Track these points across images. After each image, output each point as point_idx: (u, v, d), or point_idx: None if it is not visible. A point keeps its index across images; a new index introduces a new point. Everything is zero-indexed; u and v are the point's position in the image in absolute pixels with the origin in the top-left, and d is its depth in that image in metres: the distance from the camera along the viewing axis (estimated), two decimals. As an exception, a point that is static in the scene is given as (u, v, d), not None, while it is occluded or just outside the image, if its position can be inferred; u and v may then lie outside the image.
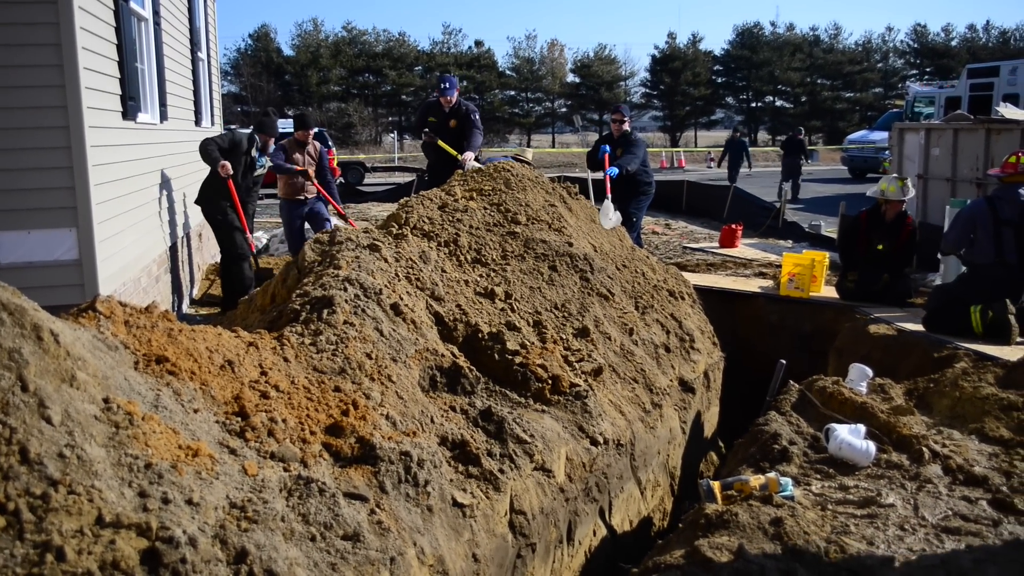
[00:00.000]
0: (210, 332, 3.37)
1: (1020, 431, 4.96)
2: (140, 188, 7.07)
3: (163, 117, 8.22)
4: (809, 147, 44.66)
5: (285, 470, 2.79)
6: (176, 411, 2.70)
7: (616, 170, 9.84)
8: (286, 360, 3.48)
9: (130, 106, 6.65)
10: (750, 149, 24.09)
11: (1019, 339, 6.85)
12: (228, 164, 8.07)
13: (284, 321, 3.98)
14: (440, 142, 9.50)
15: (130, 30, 6.90)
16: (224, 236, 8.44)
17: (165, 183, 8.17)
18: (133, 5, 7.01)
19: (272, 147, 8.84)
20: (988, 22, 61.38)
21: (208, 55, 11.84)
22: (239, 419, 2.91)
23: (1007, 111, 13.00)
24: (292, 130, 9.59)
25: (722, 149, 23.12)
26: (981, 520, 3.96)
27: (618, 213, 8.74)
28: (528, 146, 48.77)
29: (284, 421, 3.02)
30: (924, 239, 9.14)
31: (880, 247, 8.29)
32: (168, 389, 2.77)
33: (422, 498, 3.12)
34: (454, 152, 9.41)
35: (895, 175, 8.98)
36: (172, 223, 8.43)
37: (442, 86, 9.56)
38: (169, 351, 2.95)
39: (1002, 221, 7.10)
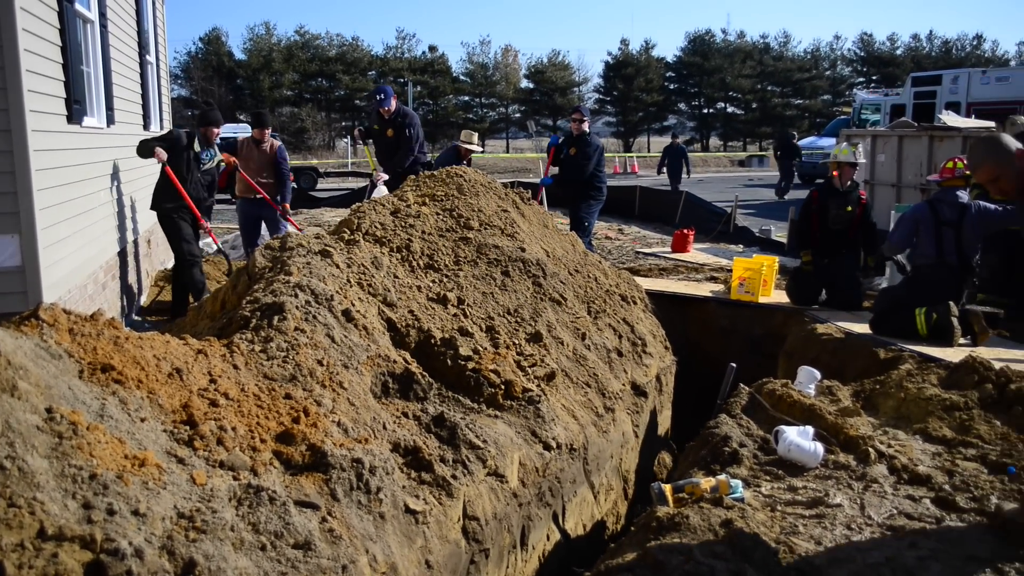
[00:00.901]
0: (158, 340, 3.32)
1: (962, 431, 5.09)
2: (86, 193, 6.94)
3: (110, 121, 8.08)
4: (760, 152, 45.36)
5: (235, 479, 2.76)
6: (122, 420, 2.65)
7: (550, 180, 9.96)
8: (236, 367, 3.44)
9: (75, 109, 6.53)
10: (689, 155, 24.29)
11: (962, 340, 7.02)
12: (162, 150, 8.02)
13: (234, 328, 3.94)
14: (367, 149, 9.50)
15: (75, 32, 6.77)
16: (175, 241, 8.33)
17: (112, 188, 8.03)
18: (78, 7, 6.88)
19: (218, 139, 8.71)
20: (931, 32, 62.91)
21: (157, 58, 11.67)
22: (187, 428, 2.87)
23: (949, 119, 13.35)
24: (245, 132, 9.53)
25: (661, 155, 23.17)
26: (925, 518, 4.05)
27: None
28: (483, 151, 48.80)
29: (234, 429, 2.98)
30: (866, 243, 9.32)
31: (848, 208, 8.40)
32: (114, 398, 2.73)
33: (374, 505, 3.10)
34: (373, 165, 9.41)
35: (846, 142, 9.17)
36: (120, 228, 8.29)
37: (377, 97, 9.50)
38: (115, 359, 2.90)
39: (943, 223, 7.31)
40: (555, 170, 10.68)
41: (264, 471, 2.88)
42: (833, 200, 8.49)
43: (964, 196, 7.43)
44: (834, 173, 8.55)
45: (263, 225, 9.92)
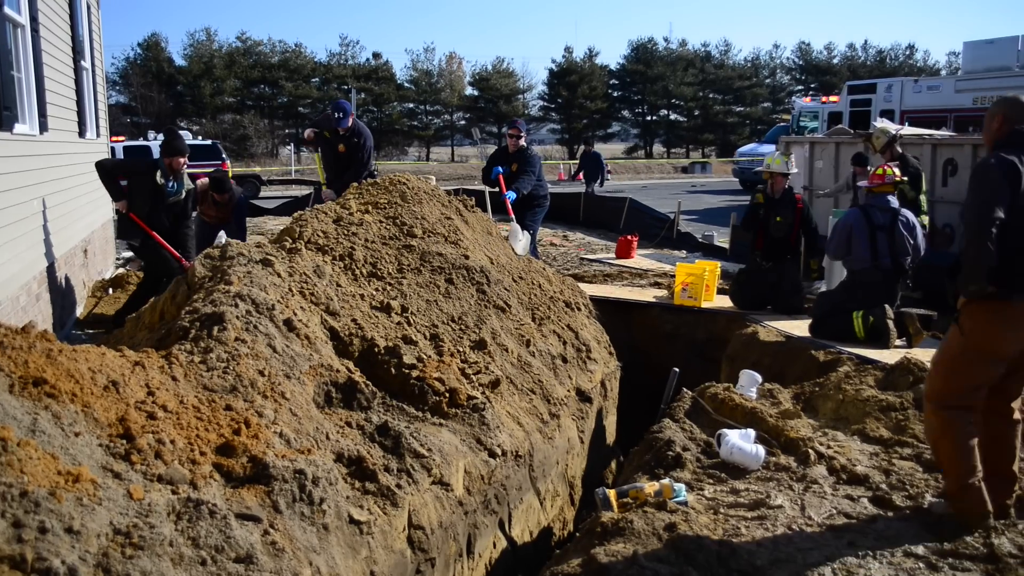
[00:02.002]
0: (93, 352, 3.25)
1: (898, 431, 5.21)
2: (17, 202, 6.75)
3: (43, 128, 7.88)
4: (703, 159, 45.98)
5: (173, 493, 2.71)
6: (55, 435, 2.59)
7: (514, 194, 9.97)
8: (175, 379, 3.38)
9: (5, 116, 6.35)
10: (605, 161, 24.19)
11: (898, 342, 7.20)
12: (124, 203, 7.84)
13: (173, 339, 3.87)
14: (318, 159, 9.37)
15: (5, 37, 6.60)
16: (150, 261, 8.17)
17: (46, 196, 7.83)
18: (8, 11, 6.71)
19: (185, 168, 8.39)
20: (866, 42, 64.13)
21: (92, 64, 11.41)
22: (124, 441, 2.81)
23: (883, 126, 13.67)
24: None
25: (578, 163, 23.07)
26: (863, 517, 4.14)
27: (526, 234, 8.82)
28: (427, 159, 48.68)
29: (172, 442, 2.93)
30: (808, 247, 9.53)
31: (779, 219, 8.61)
32: (47, 412, 2.66)
33: (318, 516, 3.07)
34: (323, 179, 9.29)
35: (779, 151, 9.38)
36: (55, 238, 8.08)
37: (336, 115, 9.27)
38: (48, 372, 2.83)
39: (876, 227, 7.51)
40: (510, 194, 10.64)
41: (204, 484, 2.84)
42: (772, 211, 8.69)
43: (894, 201, 7.66)
44: (768, 182, 8.80)
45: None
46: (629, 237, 12.92)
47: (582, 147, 22.91)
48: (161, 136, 8.31)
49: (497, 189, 10.02)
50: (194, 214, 8.78)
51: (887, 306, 7.32)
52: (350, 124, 9.39)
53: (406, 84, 53.49)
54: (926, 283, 8.69)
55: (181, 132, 13.28)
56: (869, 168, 11.06)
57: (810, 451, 4.85)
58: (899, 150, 9.90)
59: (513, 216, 9.29)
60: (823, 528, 4.04)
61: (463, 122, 54.09)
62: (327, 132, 9.44)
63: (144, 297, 8.11)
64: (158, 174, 7.97)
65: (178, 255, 8.05)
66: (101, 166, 8.09)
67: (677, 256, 13.08)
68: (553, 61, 59.89)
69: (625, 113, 59.01)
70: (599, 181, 21.41)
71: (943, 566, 3.68)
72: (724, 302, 9.08)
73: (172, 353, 3.59)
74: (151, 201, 8.00)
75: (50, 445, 2.51)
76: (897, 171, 7.85)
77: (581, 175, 21.41)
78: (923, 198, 9.52)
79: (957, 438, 4.00)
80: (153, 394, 3.16)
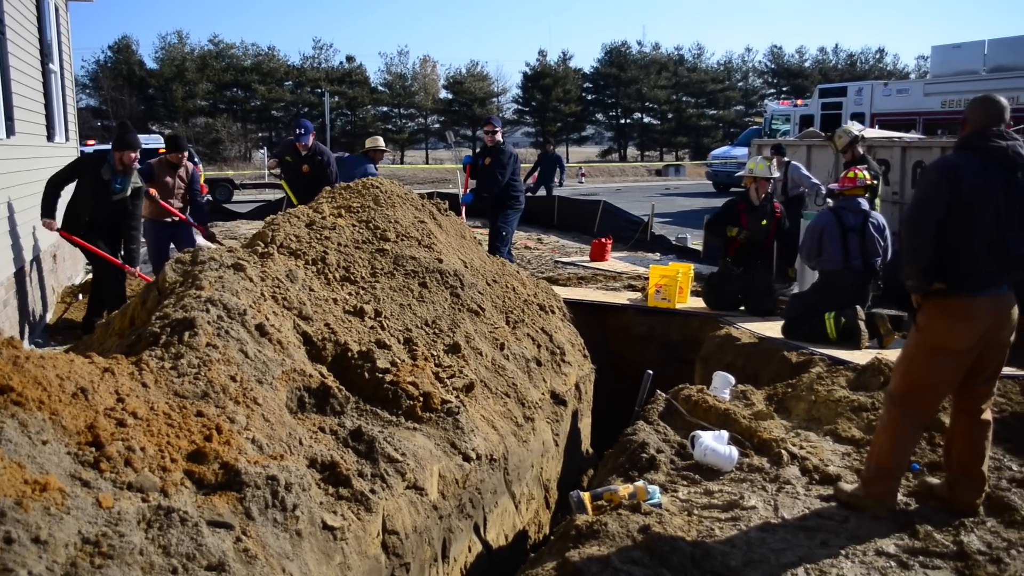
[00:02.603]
0: (61, 359, 3.21)
1: (870, 431, 5.26)
2: (-15, 207, 6.67)
3: (9, 132, 7.78)
4: (677, 162, 46.13)
5: (144, 500, 2.69)
6: (22, 444, 2.56)
7: (471, 197, 9.98)
8: (145, 386, 3.35)
9: (-28, 120, 6.28)
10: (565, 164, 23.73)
11: (868, 343, 7.27)
12: (52, 222, 7.62)
13: (143, 345, 3.83)
14: (285, 185, 9.31)
15: (-28, 40, 6.52)
16: (94, 265, 8.03)
17: (14, 200, 7.72)
18: (-25, 14, 6.63)
19: (136, 163, 8.26)
20: (837, 46, 64.94)
21: (61, 67, 11.29)
22: (93, 449, 2.78)
23: (847, 126, 13.83)
24: (160, 148, 9.20)
25: (535, 163, 22.00)
26: (836, 518, 4.18)
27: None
28: (402, 162, 48.52)
29: (143, 449, 2.90)
30: (783, 254, 9.61)
31: (764, 222, 8.73)
32: (13, 421, 2.62)
33: (290, 523, 3.05)
34: (295, 202, 9.24)
35: (761, 156, 9.46)
36: (21, 243, 7.98)
37: (297, 131, 9.26)
38: (14, 380, 2.79)
39: (847, 229, 7.60)
40: (474, 183, 10.72)
41: (175, 491, 2.81)
42: (749, 216, 8.76)
43: (865, 204, 7.75)
44: (750, 187, 8.84)
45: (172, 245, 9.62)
46: (603, 240, 12.95)
47: (544, 148, 21.98)
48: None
49: (473, 190, 10.06)
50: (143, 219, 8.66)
51: (859, 307, 7.41)
52: (311, 142, 9.33)
53: (380, 87, 53.31)
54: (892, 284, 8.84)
55: (157, 135, 13.07)
56: (786, 159, 11.32)
57: (783, 452, 4.89)
58: (860, 151, 10.01)
59: (464, 219, 9.35)
60: (796, 528, 4.08)
61: (437, 125, 54.01)
62: (288, 157, 9.38)
63: (96, 303, 8.01)
64: (104, 169, 7.74)
65: (119, 262, 7.90)
66: (51, 182, 7.83)
67: (651, 259, 13.13)
68: (527, 64, 60.04)
69: (599, 116, 59.18)
70: (558, 182, 20.88)
71: (914, 564, 3.73)
72: (698, 304, 9.13)
73: (142, 359, 3.56)
74: (95, 198, 7.77)
75: (16, 454, 2.47)
76: (867, 174, 7.94)
77: (535, 176, 20.51)
78: (878, 202, 9.64)
79: (899, 437, 4.17)
80: (123, 401, 3.13)
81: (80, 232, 7.83)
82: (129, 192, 7.97)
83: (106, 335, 4.71)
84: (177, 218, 9.10)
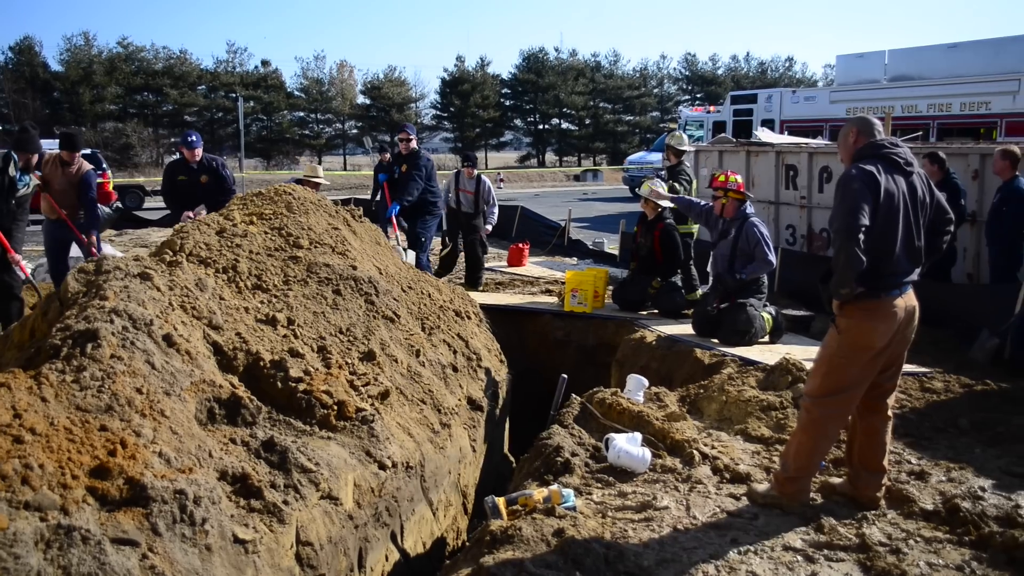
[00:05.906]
0: (-47, 374, 3.09)
1: (778, 429, 5.42)
2: None
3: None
4: (594, 167, 46.57)
5: (42, 520, 2.60)
6: (-90, 464, 2.45)
7: (396, 208, 9.97)
8: (44, 400, 3.24)
9: None
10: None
11: (763, 339, 7.59)
12: None
13: (43, 358, 3.70)
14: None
15: None
16: None
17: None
18: None
19: (34, 165, 7.97)
20: (748, 53, 66.50)
21: (-44, 70, 10.84)
22: (-13, 468, 2.68)
23: (764, 135, 14.25)
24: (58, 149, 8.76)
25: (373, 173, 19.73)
26: (745, 515, 4.29)
27: (411, 252, 8.83)
28: (319, 164, 47.78)
29: (41, 466, 2.81)
30: (697, 253, 9.83)
31: (641, 241, 9.12)
32: (-100, 440, 2.51)
33: (200, 537, 2.99)
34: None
35: (654, 177, 9.69)
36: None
37: (189, 139, 8.87)
38: (-98, 398, 2.68)
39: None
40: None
41: (76, 509, 2.73)
42: (643, 227, 9.10)
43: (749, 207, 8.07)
44: (643, 206, 9.14)
45: (73, 248, 9.18)
46: (520, 245, 13.03)
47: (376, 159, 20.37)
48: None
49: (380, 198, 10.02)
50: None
51: (768, 304, 7.74)
52: (200, 152, 8.98)
53: (296, 92, 52.54)
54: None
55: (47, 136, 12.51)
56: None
57: (695, 452, 4.99)
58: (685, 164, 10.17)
59: (396, 233, 9.32)
60: (707, 527, 4.17)
61: (355, 131, 53.46)
62: (181, 176, 8.98)
63: None
64: (11, 166, 7.54)
65: (11, 249, 7.66)
66: None
67: (568, 263, 13.26)
68: (445, 70, 59.72)
69: (517, 122, 59.42)
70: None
71: (819, 557, 3.85)
72: (614, 308, 9.27)
73: (42, 372, 3.44)
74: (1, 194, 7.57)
75: (-96, 474, 2.37)
76: (740, 179, 8.12)
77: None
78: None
79: (821, 437, 4.31)
80: (20, 416, 3.03)
81: None
82: (31, 189, 7.91)
83: (4, 348, 4.53)
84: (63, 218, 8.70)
